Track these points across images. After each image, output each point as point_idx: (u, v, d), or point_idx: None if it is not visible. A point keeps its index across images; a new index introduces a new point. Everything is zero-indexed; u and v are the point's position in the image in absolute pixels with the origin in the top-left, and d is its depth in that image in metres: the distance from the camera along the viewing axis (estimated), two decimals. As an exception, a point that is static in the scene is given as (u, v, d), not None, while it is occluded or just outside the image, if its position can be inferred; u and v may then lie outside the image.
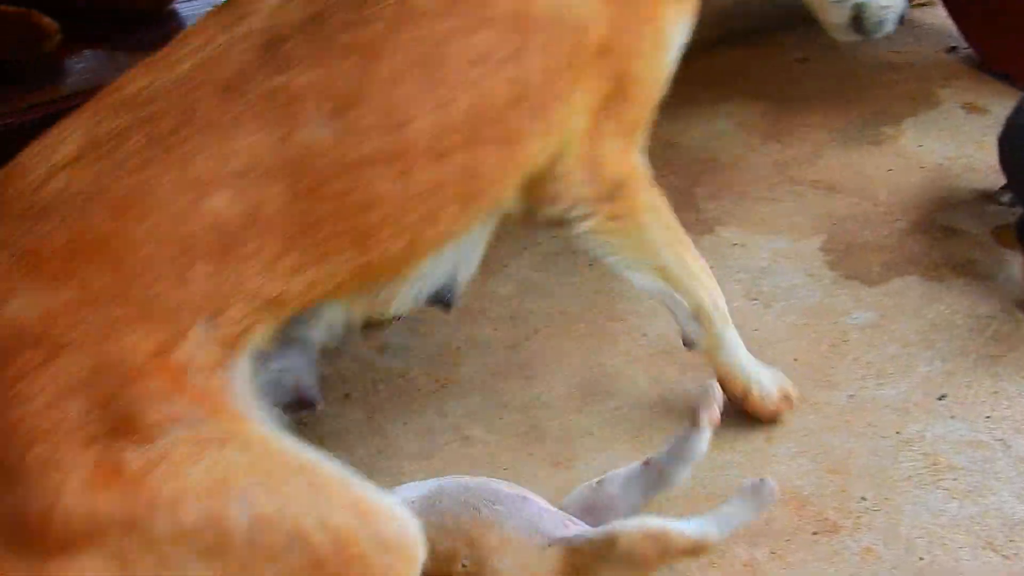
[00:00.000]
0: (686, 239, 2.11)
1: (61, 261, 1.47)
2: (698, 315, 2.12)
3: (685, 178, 2.96)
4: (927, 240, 2.75)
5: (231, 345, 1.56)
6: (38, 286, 1.46)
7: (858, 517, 2.03)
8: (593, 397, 2.31)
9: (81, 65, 2.33)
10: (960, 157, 3.04)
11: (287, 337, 1.75)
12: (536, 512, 1.79)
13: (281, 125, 1.57)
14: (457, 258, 1.91)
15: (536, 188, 1.90)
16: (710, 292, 2.13)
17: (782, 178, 2.98)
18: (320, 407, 1.93)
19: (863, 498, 2.07)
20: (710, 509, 1.99)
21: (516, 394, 2.33)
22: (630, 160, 1.99)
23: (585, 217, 1.97)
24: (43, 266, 1.47)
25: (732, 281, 2.56)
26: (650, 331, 2.46)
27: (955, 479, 2.11)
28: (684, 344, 2.18)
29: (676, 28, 2.00)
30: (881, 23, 2.59)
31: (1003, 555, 1.95)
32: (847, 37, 2.64)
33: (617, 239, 2.02)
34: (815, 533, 2.00)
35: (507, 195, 1.86)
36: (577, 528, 1.79)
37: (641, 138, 2.01)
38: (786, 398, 2.22)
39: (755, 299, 2.57)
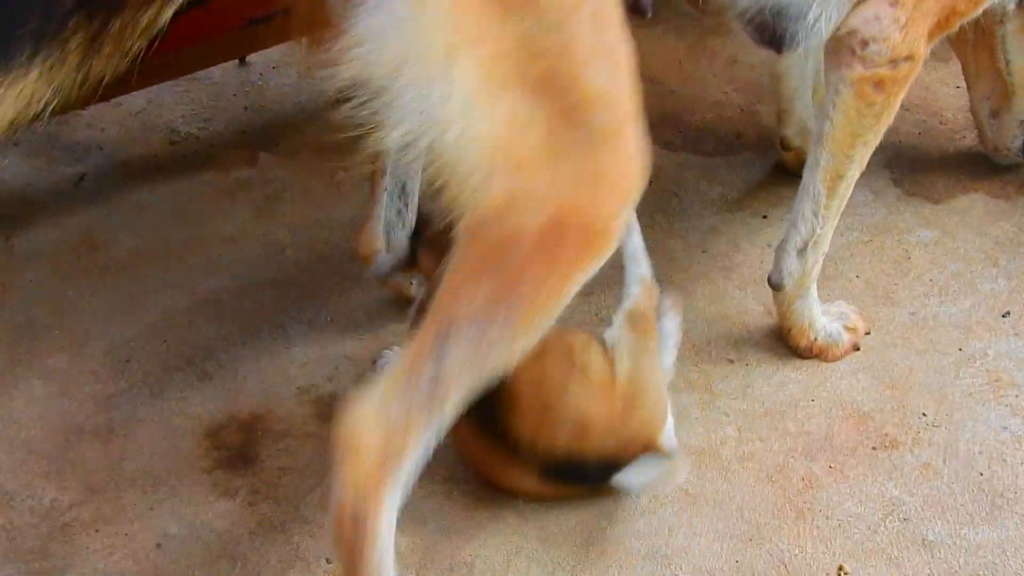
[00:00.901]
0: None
1: None
2: (807, 250, 2.09)
3: (748, 95, 2.92)
4: (993, 157, 2.72)
5: None
6: None
7: (918, 433, 2.03)
8: (652, 313, 2.32)
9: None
10: (1031, 72, 2.98)
11: None
12: None
13: None
14: None
15: None
16: (829, 234, 2.11)
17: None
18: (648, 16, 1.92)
19: (923, 414, 2.07)
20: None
21: (575, 309, 2.32)
22: (925, 46, 1.96)
23: (868, 61, 1.92)
24: None
25: (795, 199, 2.55)
26: (710, 247, 2.45)
27: (1017, 396, 2.10)
28: (770, 283, 2.14)
29: None
30: None
31: (1064, 471, 1.95)
32: (1006, 158, 2.63)
33: (856, 111, 1.97)
34: (874, 448, 2.01)
35: None
36: None
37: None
38: (854, 345, 2.20)
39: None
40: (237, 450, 2.02)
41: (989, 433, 2.02)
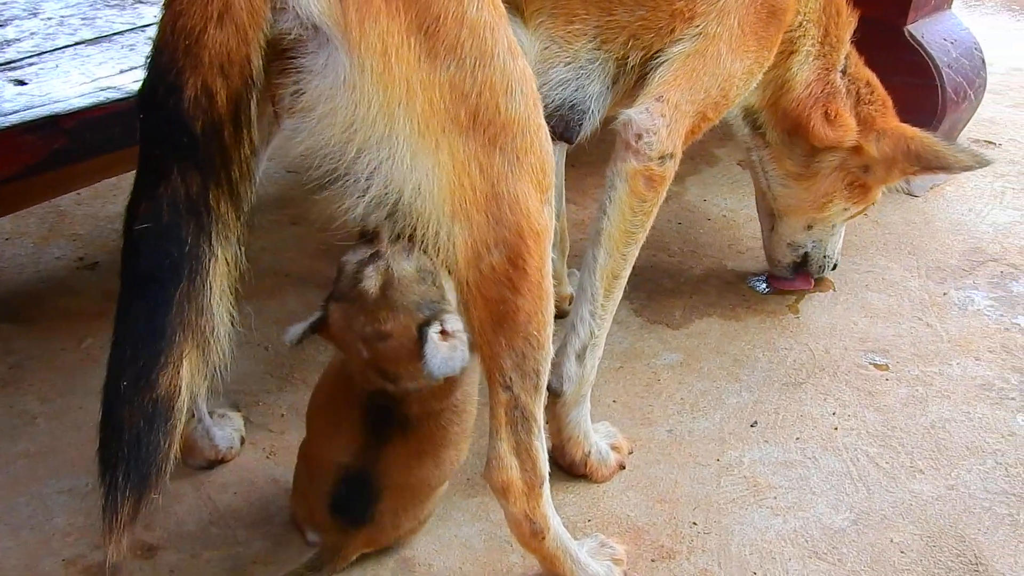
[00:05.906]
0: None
1: None
2: (586, 353, 2.18)
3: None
4: (721, 284, 2.91)
5: None
6: None
7: (691, 541, 2.11)
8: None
9: None
10: (741, 208, 3.23)
11: None
12: None
13: None
14: None
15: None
16: (603, 339, 2.20)
17: (581, 236, 3.09)
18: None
19: (694, 523, 2.15)
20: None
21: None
22: (682, 147, 2.12)
23: (640, 155, 2.07)
24: None
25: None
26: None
27: (775, 497, 2.22)
28: (549, 390, 2.12)
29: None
30: (820, 269, 2.87)
31: (829, 562, 2.07)
32: (778, 270, 2.90)
33: (630, 207, 2.10)
34: (653, 560, 2.07)
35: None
36: None
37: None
38: (620, 464, 2.28)
39: (568, 350, 2.64)
40: (2, 631, 1.89)
41: (756, 534, 2.13)
